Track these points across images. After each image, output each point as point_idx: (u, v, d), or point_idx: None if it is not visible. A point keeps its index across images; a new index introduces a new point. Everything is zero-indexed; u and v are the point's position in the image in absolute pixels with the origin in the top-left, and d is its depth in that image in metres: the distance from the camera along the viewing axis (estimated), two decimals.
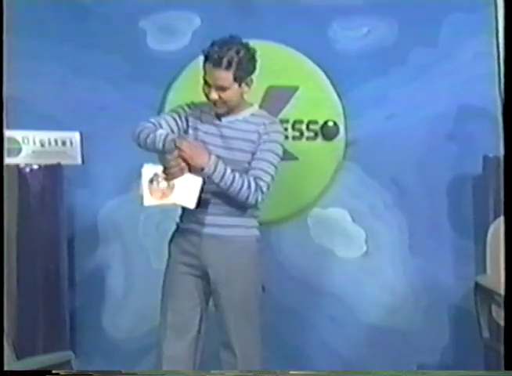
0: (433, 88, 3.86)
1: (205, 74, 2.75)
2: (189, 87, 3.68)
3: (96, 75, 3.70)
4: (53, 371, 2.68)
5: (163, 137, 2.71)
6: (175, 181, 2.65)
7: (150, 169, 2.69)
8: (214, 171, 2.71)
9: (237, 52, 2.71)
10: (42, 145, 3.57)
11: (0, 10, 2.66)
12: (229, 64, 2.70)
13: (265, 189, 2.79)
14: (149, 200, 2.66)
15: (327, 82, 3.81)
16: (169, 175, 2.69)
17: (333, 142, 3.83)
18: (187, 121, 2.86)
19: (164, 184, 2.63)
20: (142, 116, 3.68)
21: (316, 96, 3.82)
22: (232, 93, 2.76)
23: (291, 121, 3.77)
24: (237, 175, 2.74)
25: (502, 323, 2.92)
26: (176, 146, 2.67)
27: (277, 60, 3.66)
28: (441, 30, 3.88)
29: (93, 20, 3.71)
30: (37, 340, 3.49)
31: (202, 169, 2.70)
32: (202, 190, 2.70)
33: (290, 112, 3.77)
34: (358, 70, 3.82)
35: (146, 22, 3.77)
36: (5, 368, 2.55)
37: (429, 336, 3.84)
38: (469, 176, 3.86)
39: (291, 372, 3.01)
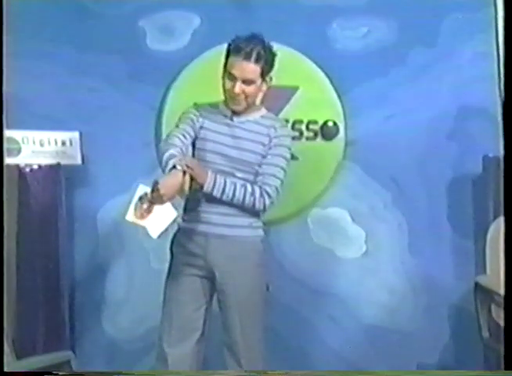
0: (433, 88, 3.86)
1: (231, 67, 2.76)
2: (188, 87, 3.69)
3: (96, 75, 3.70)
4: (53, 371, 2.69)
5: (164, 161, 2.64)
6: (155, 207, 2.62)
7: (144, 189, 2.67)
8: (214, 186, 2.73)
9: (263, 48, 2.76)
10: (42, 145, 3.57)
11: (0, 10, 2.67)
12: (258, 58, 2.74)
13: (272, 193, 2.82)
14: (130, 216, 2.68)
15: (327, 82, 3.81)
16: (152, 199, 2.59)
17: (333, 142, 3.83)
18: (198, 121, 2.85)
19: (146, 205, 2.62)
20: (142, 116, 3.74)
21: (316, 96, 3.82)
22: (256, 88, 2.80)
23: (291, 121, 3.77)
24: (238, 184, 2.76)
25: (502, 323, 2.93)
26: (175, 167, 2.58)
27: (277, 60, 3.66)
28: (441, 30, 3.88)
29: (93, 20, 3.71)
30: (37, 340, 3.49)
31: (201, 187, 2.71)
32: (174, 222, 2.64)
33: (290, 112, 3.77)
34: (358, 70, 3.81)
35: (145, 22, 3.77)
36: (5, 368, 2.55)
37: (429, 336, 3.84)
38: (469, 176, 3.86)
39: (291, 372, 3.01)
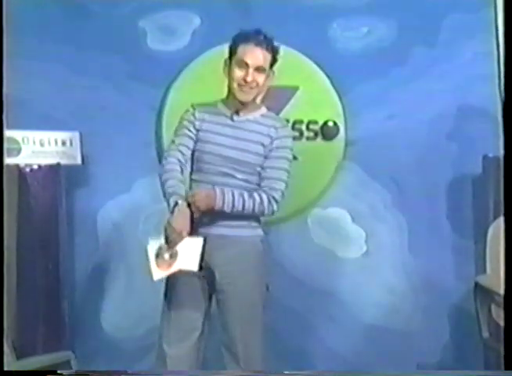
0: (433, 88, 3.86)
1: (243, 55, 2.75)
2: (188, 87, 3.69)
3: (96, 75, 3.70)
4: (53, 371, 2.69)
5: (166, 196, 2.74)
6: (177, 248, 2.68)
7: (154, 244, 2.72)
8: (223, 205, 2.73)
9: (269, 39, 2.79)
10: (42, 145, 3.56)
11: (0, 10, 2.66)
12: (268, 45, 2.77)
13: (279, 197, 2.82)
14: (157, 273, 2.71)
15: (327, 82, 3.82)
16: (170, 243, 2.69)
17: (333, 142, 3.83)
18: (195, 127, 2.85)
19: (167, 255, 2.68)
20: (142, 116, 3.73)
21: (316, 96, 3.82)
22: (265, 78, 2.80)
23: (291, 121, 3.77)
24: (246, 195, 2.77)
25: (502, 323, 2.92)
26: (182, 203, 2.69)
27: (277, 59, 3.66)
28: (441, 30, 3.88)
29: (93, 20, 3.71)
30: (37, 340, 3.48)
31: (212, 208, 2.73)
32: (204, 249, 2.69)
33: (290, 112, 3.77)
34: (358, 70, 3.82)
35: (146, 22, 3.77)
36: (5, 368, 2.55)
37: (429, 336, 3.84)
38: (469, 176, 3.86)
39: (291, 372, 3.01)
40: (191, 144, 2.85)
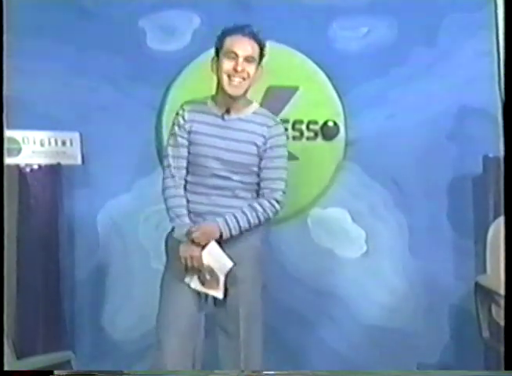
0: (433, 88, 3.86)
1: (231, 46, 2.76)
2: (188, 87, 3.69)
3: (96, 75, 3.69)
4: (53, 371, 2.69)
5: (174, 227, 2.82)
6: (207, 264, 2.75)
7: (193, 280, 2.80)
8: (230, 230, 2.76)
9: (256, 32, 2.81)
10: (42, 145, 3.57)
11: (0, 10, 2.66)
12: (256, 37, 2.78)
13: (280, 197, 2.85)
14: (217, 293, 2.81)
15: (327, 82, 3.81)
16: (198, 269, 2.75)
17: (333, 142, 3.83)
18: (186, 130, 2.84)
19: (207, 276, 2.77)
20: (142, 116, 3.73)
21: (316, 96, 3.82)
22: (255, 69, 2.79)
23: (291, 121, 3.77)
24: (247, 211, 2.78)
25: (502, 323, 2.93)
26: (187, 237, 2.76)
27: (277, 60, 3.65)
28: (441, 30, 3.88)
29: (93, 20, 3.70)
30: (37, 340, 3.48)
31: (221, 236, 2.75)
32: (222, 246, 2.78)
33: (290, 112, 3.77)
34: (358, 70, 3.81)
35: (146, 22, 3.76)
36: (5, 368, 2.55)
37: (429, 336, 3.84)
38: (469, 176, 3.86)
39: (291, 372, 3.01)
40: (185, 152, 2.84)
